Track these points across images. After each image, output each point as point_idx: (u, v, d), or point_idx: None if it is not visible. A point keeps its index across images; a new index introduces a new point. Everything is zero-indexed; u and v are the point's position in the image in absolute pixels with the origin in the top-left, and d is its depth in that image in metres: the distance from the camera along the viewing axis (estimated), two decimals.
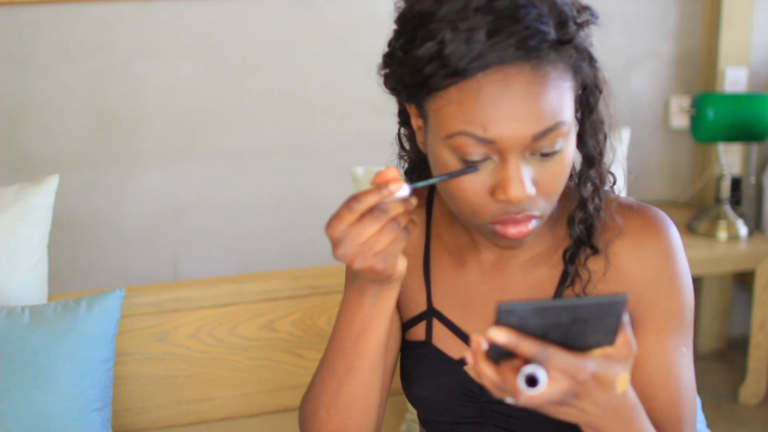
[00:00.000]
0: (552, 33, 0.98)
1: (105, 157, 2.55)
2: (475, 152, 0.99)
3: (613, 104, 1.11)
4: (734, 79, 2.84)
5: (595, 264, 1.14)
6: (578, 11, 1.03)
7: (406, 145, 1.20)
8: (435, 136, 1.03)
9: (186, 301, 1.89)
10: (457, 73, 0.97)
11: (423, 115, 1.05)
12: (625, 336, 0.92)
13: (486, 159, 1.00)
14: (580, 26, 1.02)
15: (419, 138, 1.09)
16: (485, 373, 0.91)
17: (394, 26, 1.06)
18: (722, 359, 3.03)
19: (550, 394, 0.89)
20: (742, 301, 3.05)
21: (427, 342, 1.21)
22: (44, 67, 2.46)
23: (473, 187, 1.01)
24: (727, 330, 3.09)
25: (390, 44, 1.06)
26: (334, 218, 0.98)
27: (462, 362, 1.18)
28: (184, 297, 1.89)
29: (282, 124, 2.65)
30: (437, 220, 1.22)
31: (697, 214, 2.80)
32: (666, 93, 2.93)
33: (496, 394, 0.92)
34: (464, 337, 1.19)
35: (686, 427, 1.13)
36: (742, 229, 2.70)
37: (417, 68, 1.00)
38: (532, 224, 1.04)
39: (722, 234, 2.69)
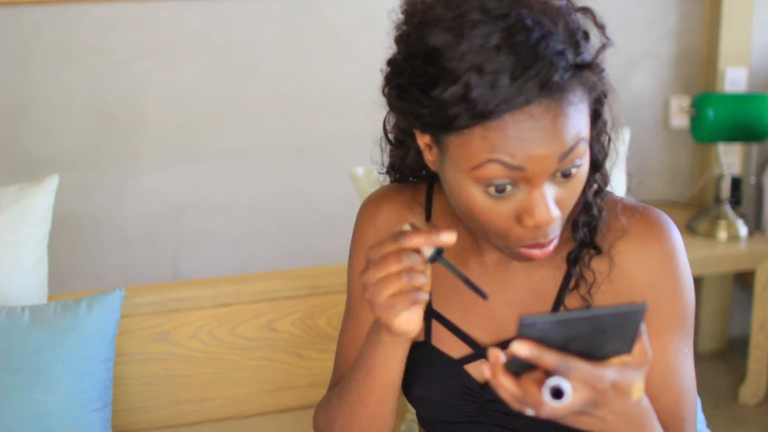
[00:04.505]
0: (571, 60, 0.98)
1: (105, 157, 2.55)
2: (502, 180, 1.00)
3: (616, 107, 1.11)
4: (734, 79, 2.84)
5: (599, 264, 1.14)
6: (584, 22, 1.03)
7: (391, 138, 1.21)
8: (457, 168, 1.02)
9: (186, 301, 1.89)
10: (484, 116, 0.97)
11: (439, 145, 1.04)
12: (642, 344, 0.94)
13: (513, 186, 1.01)
14: (588, 39, 1.02)
15: (428, 157, 1.09)
16: (506, 386, 0.93)
17: (396, 47, 1.05)
18: (722, 359, 3.03)
19: (572, 405, 0.91)
20: (742, 301, 3.05)
21: (427, 342, 1.21)
22: (44, 67, 2.46)
23: (500, 214, 1.02)
24: (727, 330, 3.09)
25: (397, 72, 1.04)
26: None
27: (462, 361, 1.18)
28: (184, 297, 1.89)
29: (282, 124, 2.65)
30: (438, 221, 1.22)
31: (697, 214, 2.80)
32: (666, 93, 2.93)
33: (516, 406, 0.94)
34: (464, 337, 1.19)
35: (688, 427, 1.14)
36: (742, 229, 2.70)
37: (440, 109, 0.99)
38: (554, 244, 1.06)
39: (722, 234, 2.69)
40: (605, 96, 1.09)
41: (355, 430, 1.20)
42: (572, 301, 1.15)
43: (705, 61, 2.91)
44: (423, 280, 1.02)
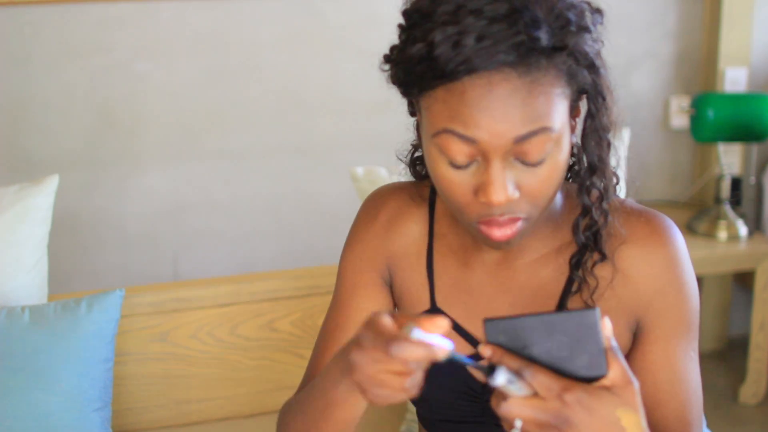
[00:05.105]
0: (544, 39, 0.96)
1: (105, 157, 2.55)
2: (459, 152, 1.00)
3: (616, 110, 1.09)
4: (734, 79, 2.84)
5: (602, 270, 1.13)
6: (580, 14, 1.01)
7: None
8: (425, 133, 1.04)
9: (186, 301, 1.89)
10: (444, 76, 0.97)
11: (419, 112, 1.07)
12: (619, 365, 0.92)
13: (471, 162, 1.01)
14: (583, 30, 1.00)
15: (419, 133, 1.11)
16: (492, 404, 0.94)
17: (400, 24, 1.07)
18: (722, 359, 3.03)
19: (538, 411, 0.91)
20: (742, 301, 3.05)
21: None
22: (44, 67, 2.46)
23: (459, 186, 1.02)
24: (727, 330, 3.09)
25: (393, 46, 1.07)
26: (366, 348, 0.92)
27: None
28: (184, 297, 1.89)
29: (282, 124, 2.65)
30: (440, 220, 1.22)
31: (697, 214, 2.80)
32: (666, 93, 2.93)
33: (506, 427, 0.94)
34: (467, 336, 1.19)
35: (695, 429, 1.13)
36: (742, 229, 2.70)
37: (409, 67, 1.01)
38: (517, 227, 1.04)
39: (722, 234, 2.69)
40: (601, 96, 1.06)
41: None
42: (575, 304, 1.15)
43: (705, 61, 2.91)
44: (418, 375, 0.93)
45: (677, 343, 1.13)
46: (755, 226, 2.96)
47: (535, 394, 0.92)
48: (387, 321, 0.91)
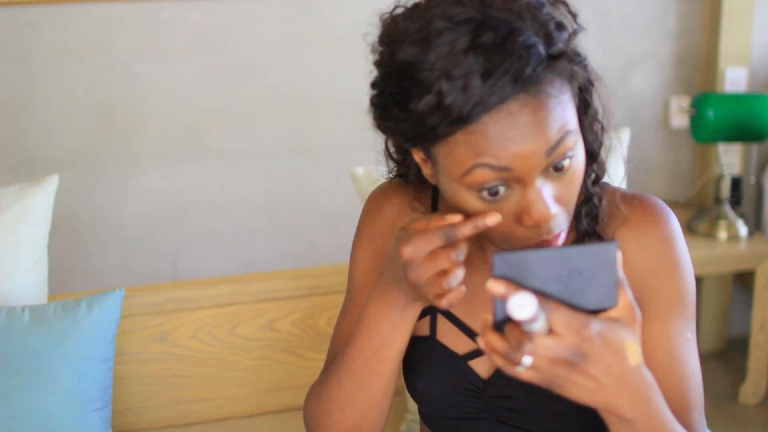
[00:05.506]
0: (542, 52, 0.97)
1: (105, 157, 2.55)
2: (493, 182, 0.99)
3: (605, 95, 1.11)
4: (734, 79, 2.84)
5: None
6: (560, 17, 1.02)
7: (395, 156, 1.21)
8: (448, 177, 1.03)
9: (186, 301, 1.90)
10: (461, 120, 0.97)
11: (431, 158, 1.05)
12: (626, 297, 0.92)
13: (506, 188, 1.00)
14: (562, 29, 1.01)
15: (426, 171, 1.09)
16: (492, 342, 0.92)
17: (375, 71, 1.06)
18: (722, 359, 3.03)
19: (555, 346, 0.89)
20: (742, 301, 3.05)
21: (432, 337, 1.21)
22: (44, 67, 2.46)
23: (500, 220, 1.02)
24: (727, 330, 3.09)
25: (378, 93, 1.06)
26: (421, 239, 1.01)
27: (466, 357, 1.19)
28: (184, 297, 1.89)
29: (282, 124, 2.65)
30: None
31: (697, 214, 2.80)
32: (666, 93, 2.93)
33: (508, 368, 0.92)
34: (469, 333, 1.19)
35: (695, 413, 1.12)
36: (742, 229, 2.70)
37: (419, 121, 0.99)
38: (561, 238, 1.05)
39: (722, 234, 2.69)
40: (592, 84, 1.08)
41: (359, 408, 1.17)
42: None
43: (705, 61, 2.91)
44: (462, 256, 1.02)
45: (672, 323, 1.13)
46: (755, 226, 2.95)
47: (551, 330, 0.90)
48: (425, 218, 1.02)
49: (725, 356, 3.05)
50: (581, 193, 1.13)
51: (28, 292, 1.75)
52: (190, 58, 2.55)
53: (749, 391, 2.76)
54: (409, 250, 1.01)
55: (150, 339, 1.88)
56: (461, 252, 1.01)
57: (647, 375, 0.97)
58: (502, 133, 0.96)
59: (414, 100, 0.98)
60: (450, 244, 1.01)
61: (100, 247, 2.59)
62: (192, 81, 2.57)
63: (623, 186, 1.85)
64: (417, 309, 1.12)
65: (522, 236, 1.03)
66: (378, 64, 1.05)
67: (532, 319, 0.88)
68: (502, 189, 1.00)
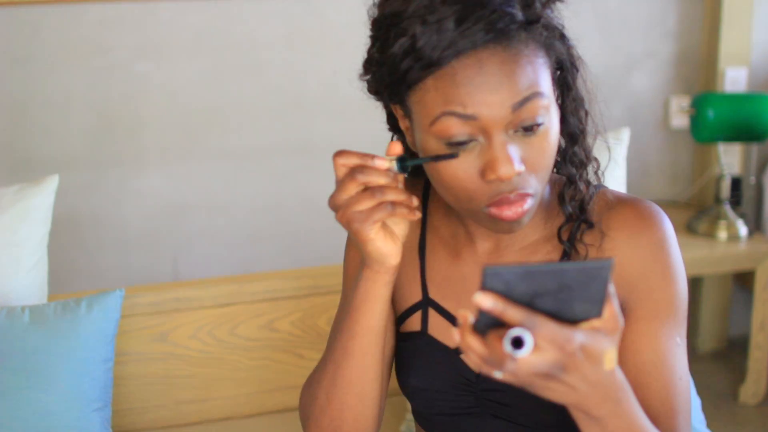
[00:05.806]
0: (519, 14, 1.01)
1: (105, 157, 2.55)
2: (459, 132, 1.02)
3: (590, 80, 1.13)
4: (734, 79, 2.84)
5: (590, 237, 1.15)
6: None
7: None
8: (420, 128, 1.06)
9: (186, 301, 1.90)
10: (432, 64, 1.01)
11: (407, 112, 1.08)
12: (612, 308, 0.91)
13: (471, 140, 1.02)
14: (546, 5, 1.05)
15: (408, 139, 1.12)
16: (472, 345, 0.90)
17: (369, 33, 1.10)
18: (722, 359, 3.03)
19: (537, 363, 0.87)
20: (742, 301, 3.05)
21: (423, 332, 1.21)
22: (44, 67, 2.46)
23: (464, 171, 1.03)
24: (727, 330, 3.09)
25: (368, 51, 1.11)
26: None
27: (458, 351, 1.19)
28: (184, 297, 1.90)
29: (282, 124, 2.65)
30: (433, 213, 1.24)
31: (697, 214, 2.80)
32: (666, 93, 2.93)
33: (484, 369, 0.90)
34: None
35: (680, 418, 1.12)
36: (742, 229, 2.70)
37: (394, 66, 1.04)
38: (528, 204, 1.05)
39: (722, 234, 2.69)
40: (575, 68, 1.10)
41: (338, 392, 1.17)
42: None
43: (705, 61, 2.91)
44: (397, 196, 1.06)
45: (660, 326, 1.12)
46: (755, 226, 2.95)
47: (536, 346, 0.88)
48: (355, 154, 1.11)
49: (725, 356, 3.05)
50: (562, 179, 1.15)
51: (28, 292, 1.75)
52: (190, 58, 2.55)
53: (749, 391, 2.76)
54: (333, 197, 1.12)
55: (150, 339, 1.88)
56: (388, 191, 1.06)
57: (620, 377, 0.96)
58: (469, 79, 1.00)
59: (391, 45, 1.03)
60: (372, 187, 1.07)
61: (100, 247, 2.59)
62: (192, 81, 2.57)
63: (623, 186, 1.85)
64: (381, 279, 1.12)
65: (485, 193, 1.04)
66: (371, 25, 1.11)
67: (514, 348, 0.87)
68: (470, 143, 1.02)
